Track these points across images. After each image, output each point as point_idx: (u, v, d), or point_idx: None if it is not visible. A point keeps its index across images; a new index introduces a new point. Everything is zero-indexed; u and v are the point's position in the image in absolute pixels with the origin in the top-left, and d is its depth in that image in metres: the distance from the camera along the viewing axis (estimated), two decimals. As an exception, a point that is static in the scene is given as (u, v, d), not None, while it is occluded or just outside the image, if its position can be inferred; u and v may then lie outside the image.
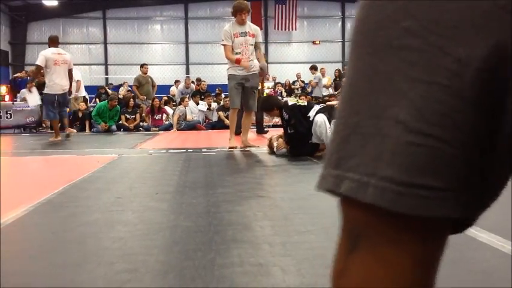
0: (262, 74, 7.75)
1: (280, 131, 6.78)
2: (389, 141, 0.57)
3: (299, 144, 6.26)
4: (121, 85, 15.68)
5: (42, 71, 10.23)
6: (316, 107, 6.39)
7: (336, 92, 14.95)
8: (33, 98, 13.60)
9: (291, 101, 6.81)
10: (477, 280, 1.94)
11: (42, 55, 9.83)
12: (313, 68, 16.56)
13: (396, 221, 0.60)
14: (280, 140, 6.53)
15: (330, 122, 6.13)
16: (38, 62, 9.88)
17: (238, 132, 7.64)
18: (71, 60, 10.06)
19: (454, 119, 0.57)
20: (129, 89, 15.28)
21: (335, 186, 0.61)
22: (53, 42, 10.18)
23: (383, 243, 0.61)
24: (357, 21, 0.67)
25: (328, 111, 6.43)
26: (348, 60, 0.65)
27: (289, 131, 6.33)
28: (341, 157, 0.61)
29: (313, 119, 6.12)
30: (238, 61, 7.03)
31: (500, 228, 2.50)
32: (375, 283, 0.62)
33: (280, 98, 15.13)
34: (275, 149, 6.47)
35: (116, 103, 12.97)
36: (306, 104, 6.60)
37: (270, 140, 6.69)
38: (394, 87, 0.58)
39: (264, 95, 11.72)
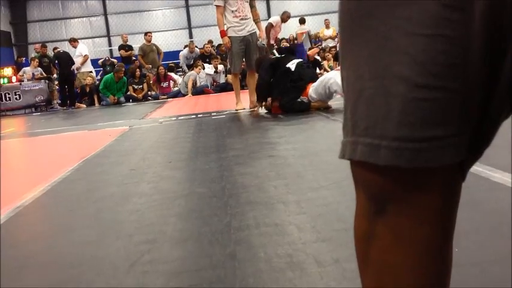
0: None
1: None
2: (395, 100, 0.56)
3: (264, 93, 6.45)
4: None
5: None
6: (295, 60, 6.46)
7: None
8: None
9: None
10: (492, 221, 1.94)
11: None
12: (302, 22, 15.96)
13: (417, 177, 0.59)
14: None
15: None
16: None
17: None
18: None
19: (460, 68, 0.55)
20: (134, 58, 15.19)
21: (352, 153, 0.61)
22: None
23: (409, 202, 0.61)
24: None
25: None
26: (340, 27, 0.63)
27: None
28: (354, 123, 0.61)
29: (294, 69, 6.21)
30: (222, 34, 6.99)
31: (514, 168, 2.48)
32: (408, 242, 0.62)
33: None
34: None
35: (122, 74, 12.93)
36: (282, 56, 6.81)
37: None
38: (393, 45, 0.56)
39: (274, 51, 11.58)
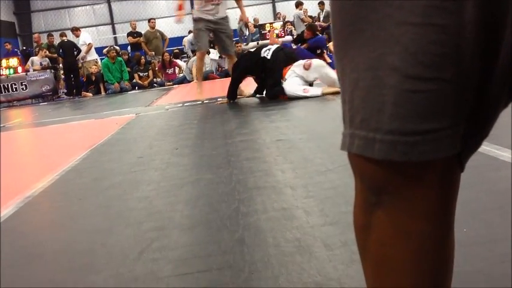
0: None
1: None
2: (388, 91, 0.56)
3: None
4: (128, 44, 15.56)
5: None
6: (273, 47, 6.55)
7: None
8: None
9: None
10: (501, 200, 1.93)
11: None
12: (322, 3, 15.78)
13: (413, 170, 0.59)
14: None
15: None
16: None
17: None
18: None
19: (452, 57, 0.54)
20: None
21: (350, 145, 0.60)
22: None
23: (406, 196, 0.60)
24: None
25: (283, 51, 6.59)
26: (332, 14, 0.62)
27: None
28: (351, 115, 0.60)
29: (270, 57, 6.29)
30: (179, 7, 6.95)
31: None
32: (404, 234, 0.61)
33: (291, 37, 14.87)
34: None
35: (115, 53, 12.95)
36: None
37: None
38: (386, 34, 0.55)
39: (274, 35, 11.49)
